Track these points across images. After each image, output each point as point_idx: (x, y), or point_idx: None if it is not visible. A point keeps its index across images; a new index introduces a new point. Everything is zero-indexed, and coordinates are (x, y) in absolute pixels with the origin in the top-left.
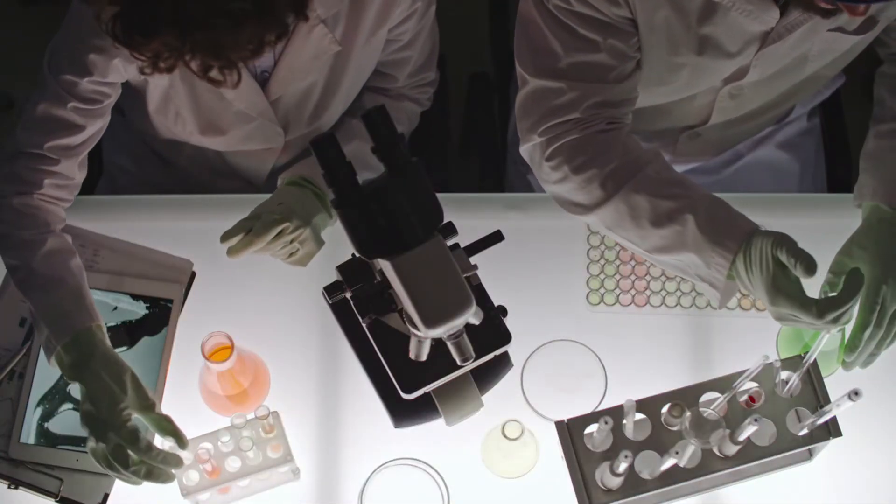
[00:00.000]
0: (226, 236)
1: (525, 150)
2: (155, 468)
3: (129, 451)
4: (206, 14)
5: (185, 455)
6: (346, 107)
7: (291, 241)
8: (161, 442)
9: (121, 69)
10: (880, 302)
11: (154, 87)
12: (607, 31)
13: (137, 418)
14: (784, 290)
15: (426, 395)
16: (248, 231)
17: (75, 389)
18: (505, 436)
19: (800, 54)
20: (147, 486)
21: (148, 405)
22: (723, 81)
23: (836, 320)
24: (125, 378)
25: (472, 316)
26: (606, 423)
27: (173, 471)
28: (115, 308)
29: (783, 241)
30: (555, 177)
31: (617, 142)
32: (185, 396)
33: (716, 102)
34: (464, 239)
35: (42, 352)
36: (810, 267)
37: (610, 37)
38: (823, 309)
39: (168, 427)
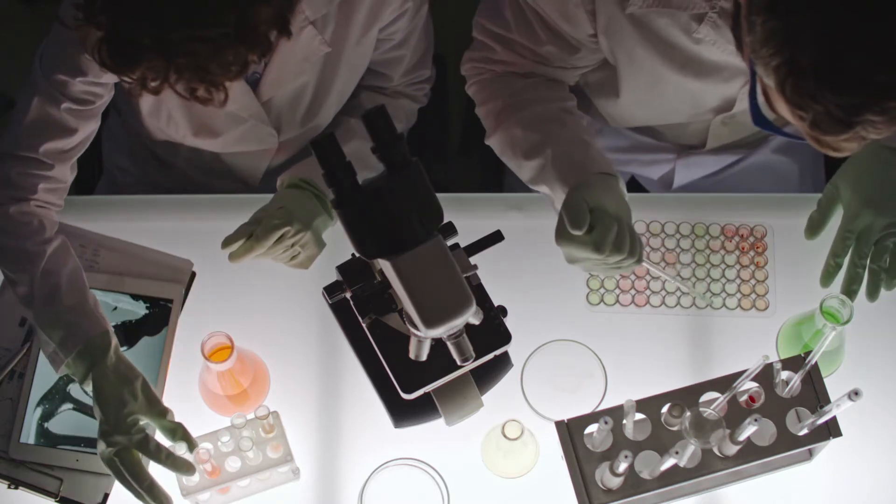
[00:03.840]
0: (227, 242)
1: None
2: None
3: (138, 454)
4: (188, 39)
5: (189, 457)
6: (339, 107)
7: (293, 245)
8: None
9: None
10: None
11: None
12: (558, 38)
13: (148, 424)
14: (560, 232)
15: (426, 395)
16: (250, 236)
17: (76, 389)
18: (505, 436)
19: None
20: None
21: (159, 411)
22: (713, 112)
23: (619, 250)
24: (136, 384)
25: (472, 316)
26: (606, 423)
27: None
28: (115, 308)
29: (573, 188)
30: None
31: (526, 83)
32: (185, 396)
33: (710, 130)
34: (464, 239)
35: (42, 352)
36: (572, 225)
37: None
38: (598, 242)
39: (178, 431)
